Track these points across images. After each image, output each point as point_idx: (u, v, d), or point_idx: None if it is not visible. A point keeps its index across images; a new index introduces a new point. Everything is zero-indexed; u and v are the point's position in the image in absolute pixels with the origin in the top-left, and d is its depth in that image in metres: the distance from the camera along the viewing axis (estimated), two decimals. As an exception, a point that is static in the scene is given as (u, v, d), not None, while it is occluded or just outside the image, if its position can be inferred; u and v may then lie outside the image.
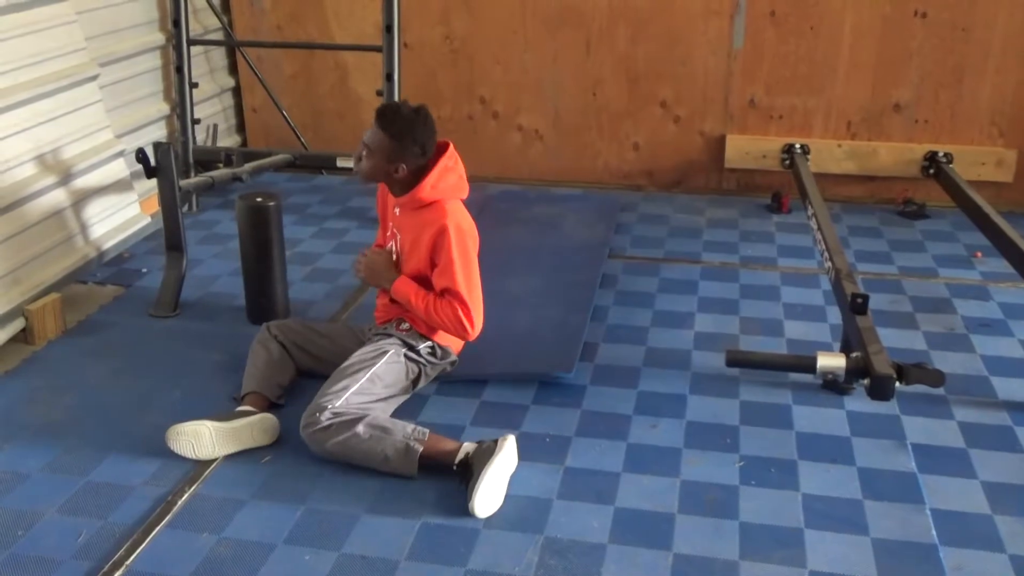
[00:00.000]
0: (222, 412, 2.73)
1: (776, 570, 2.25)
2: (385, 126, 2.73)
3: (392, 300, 2.92)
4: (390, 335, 2.87)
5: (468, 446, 2.54)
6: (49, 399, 3.00)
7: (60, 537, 2.37)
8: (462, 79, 5.01)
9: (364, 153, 2.78)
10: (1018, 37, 4.40)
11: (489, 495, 2.41)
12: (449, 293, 2.77)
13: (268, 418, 2.73)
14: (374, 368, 2.74)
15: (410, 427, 2.58)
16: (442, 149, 2.85)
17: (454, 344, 2.96)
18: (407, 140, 2.73)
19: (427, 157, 2.79)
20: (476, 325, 2.81)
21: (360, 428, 2.55)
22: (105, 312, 3.61)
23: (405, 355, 2.84)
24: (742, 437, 2.77)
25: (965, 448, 2.72)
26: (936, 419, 2.86)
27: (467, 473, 2.46)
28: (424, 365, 2.89)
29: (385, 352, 2.80)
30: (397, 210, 2.89)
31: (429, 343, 2.89)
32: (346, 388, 2.66)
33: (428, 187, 2.78)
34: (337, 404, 2.61)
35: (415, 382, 2.90)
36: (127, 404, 2.96)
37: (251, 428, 2.67)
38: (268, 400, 2.82)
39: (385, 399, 2.75)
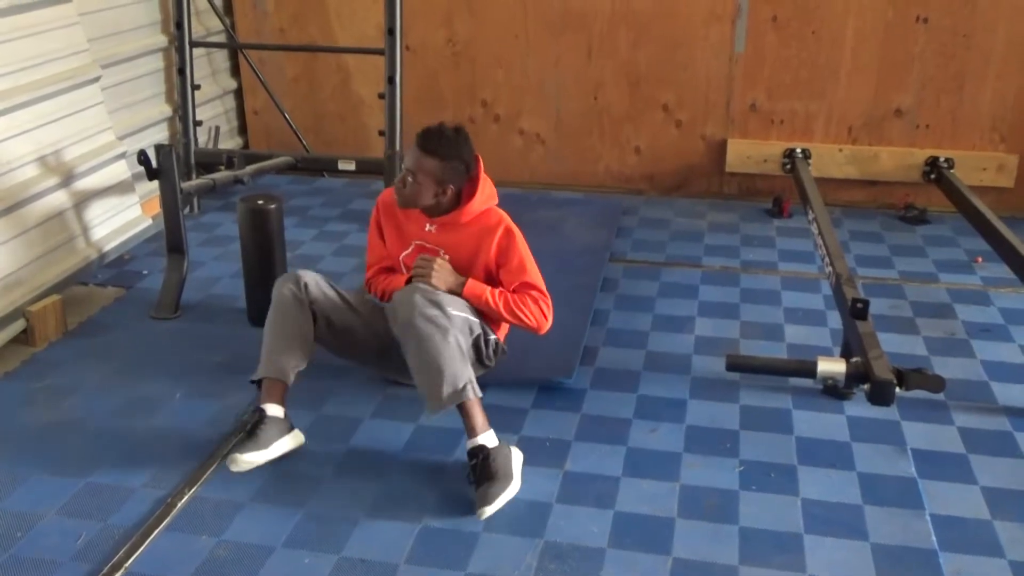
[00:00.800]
0: (267, 421, 2.61)
1: (776, 575, 2.25)
2: (432, 150, 2.68)
3: None
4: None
5: (493, 437, 2.54)
6: (49, 401, 3.00)
7: (60, 539, 2.37)
8: (464, 82, 5.01)
9: (410, 179, 2.71)
10: (1019, 43, 4.41)
11: (497, 508, 2.44)
12: (527, 287, 2.79)
13: (300, 439, 2.71)
14: (470, 314, 2.71)
15: (474, 377, 2.58)
16: (475, 160, 2.83)
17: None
18: (455, 162, 2.71)
19: (470, 176, 2.79)
20: (551, 316, 2.83)
21: (451, 336, 2.53)
22: (106, 314, 3.61)
23: (482, 331, 2.78)
24: (742, 442, 2.77)
25: (965, 453, 2.72)
26: (936, 424, 2.86)
27: (484, 470, 2.46)
28: (485, 357, 2.85)
29: (474, 313, 2.75)
30: (431, 228, 2.83)
31: (495, 337, 2.87)
32: (454, 306, 2.63)
33: (479, 202, 2.79)
34: (450, 308, 2.59)
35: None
36: (128, 406, 2.96)
37: (289, 444, 2.66)
38: (287, 388, 2.71)
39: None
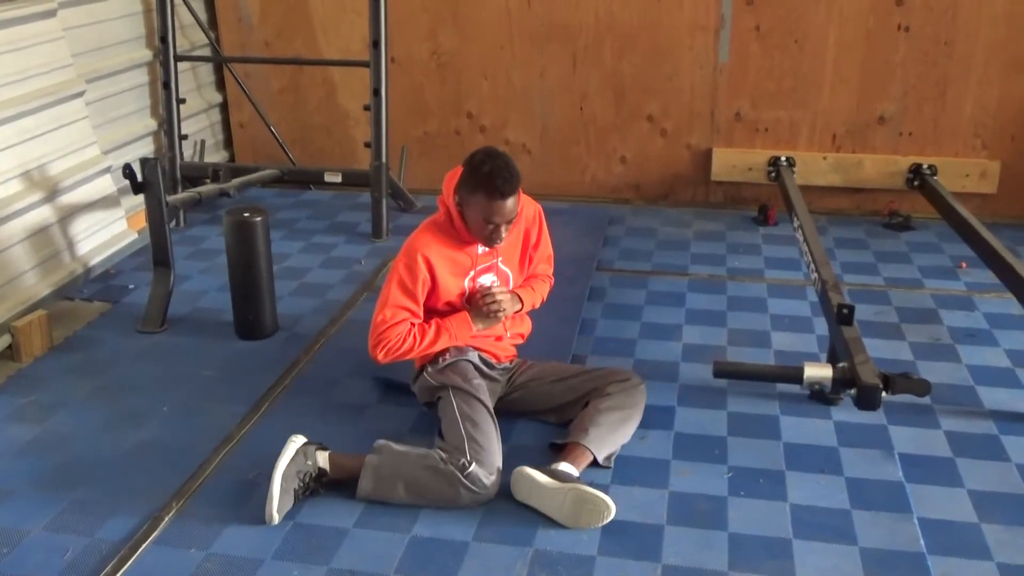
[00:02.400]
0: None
1: (765, 581, 2.26)
2: (514, 190, 2.60)
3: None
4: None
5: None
6: (35, 416, 2.99)
7: (46, 555, 2.35)
8: (449, 94, 5.03)
9: (505, 225, 2.64)
10: (1000, 50, 4.45)
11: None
12: (548, 260, 3.01)
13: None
14: (458, 415, 2.64)
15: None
16: None
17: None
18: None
19: None
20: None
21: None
22: (92, 328, 3.60)
23: (447, 393, 2.72)
24: (730, 448, 2.78)
25: (952, 457, 2.73)
26: (923, 429, 2.87)
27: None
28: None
29: (447, 402, 2.69)
30: (481, 248, 2.75)
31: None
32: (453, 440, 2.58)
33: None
34: (471, 468, 2.49)
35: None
36: (114, 421, 2.95)
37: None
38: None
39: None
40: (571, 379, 2.86)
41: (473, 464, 2.48)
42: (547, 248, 2.98)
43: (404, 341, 2.68)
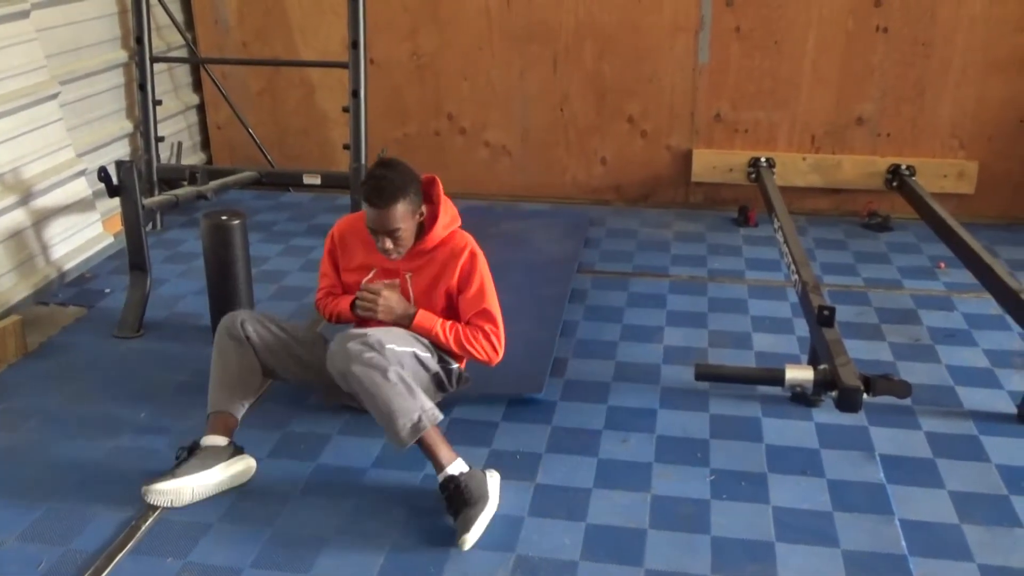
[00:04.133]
0: (197, 452, 2.59)
1: (748, 584, 2.25)
2: (391, 200, 2.61)
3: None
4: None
5: (462, 464, 2.48)
6: (10, 423, 2.94)
7: (20, 566, 2.31)
8: (429, 95, 5.00)
9: (392, 237, 2.67)
10: (977, 52, 4.48)
11: (479, 534, 2.39)
12: (483, 316, 2.78)
13: (248, 463, 2.64)
14: (416, 347, 2.70)
15: (429, 403, 2.51)
16: (431, 183, 2.82)
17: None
18: (409, 189, 2.66)
19: (428, 192, 2.78)
20: (502, 349, 2.81)
21: (391, 373, 2.47)
22: (67, 334, 3.55)
23: (440, 364, 2.78)
24: (712, 451, 2.77)
25: (932, 458, 2.74)
26: (903, 430, 2.88)
27: (458, 498, 2.41)
28: (448, 385, 2.85)
29: (423, 345, 2.74)
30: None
31: (457, 367, 2.86)
32: (395, 343, 2.61)
33: (442, 226, 2.78)
34: (388, 344, 2.55)
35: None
36: (90, 427, 2.91)
37: (230, 472, 2.58)
38: (236, 421, 2.72)
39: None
40: None
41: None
42: (479, 299, 2.77)
43: (322, 309, 2.98)
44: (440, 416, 2.51)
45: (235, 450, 2.64)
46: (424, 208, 2.74)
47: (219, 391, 2.73)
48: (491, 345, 2.79)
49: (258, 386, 2.83)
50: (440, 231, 2.78)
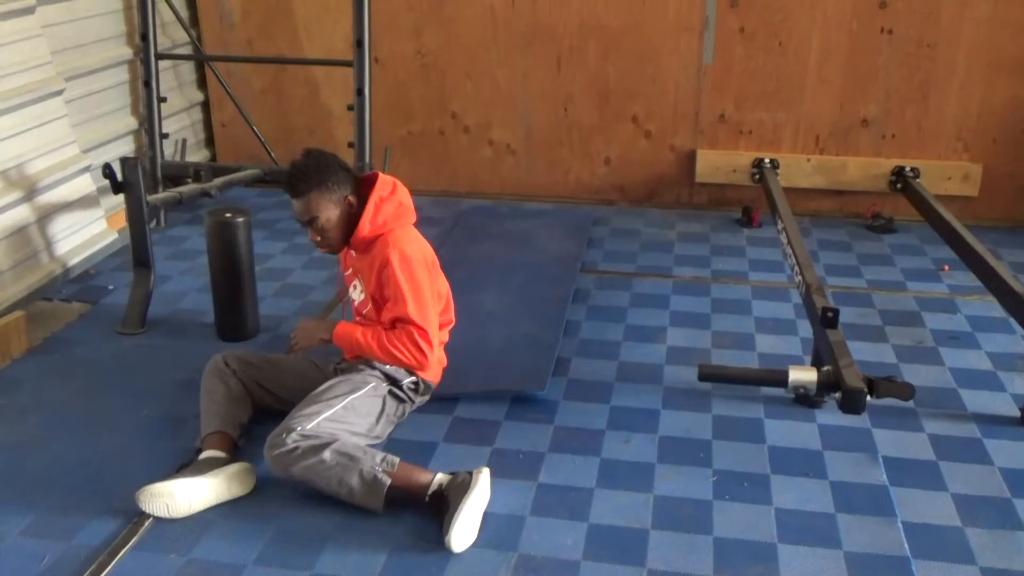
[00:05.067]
0: (194, 462, 2.58)
1: (750, 585, 2.25)
2: (304, 189, 2.67)
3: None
4: (373, 367, 2.76)
5: (441, 477, 2.46)
6: (13, 418, 2.94)
7: (23, 561, 2.31)
8: (433, 94, 5.00)
9: (314, 225, 2.73)
10: (982, 53, 4.47)
11: (466, 530, 2.35)
12: (401, 321, 2.71)
13: (244, 466, 2.59)
14: (352, 397, 2.64)
15: (379, 456, 2.47)
16: (372, 182, 2.79)
17: (435, 377, 2.90)
18: (325, 177, 2.68)
19: (355, 178, 2.77)
20: (433, 349, 2.75)
21: (327, 454, 2.44)
22: (71, 330, 3.55)
23: (389, 391, 2.76)
24: (715, 452, 2.77)
25: (935, 460, 2.74)
26: (906, 432, 2.88)
27: (441, 506, 2.40)
28: (406, 402, 2.82)
29: (367, 384, 2.70)
30: (353, 252, 2.87)
31: (413, 378, 2.81)
32: (318, 413, 2.56)
33: (367, 225, 2.74)
34: (307, 427, 2.50)
35: (395, 420, 2.81)
36: (93, 423, 2.91)
37: (228, 481, 2.52)
38: (233, 440, 2.67)
39: (359, 434, 2.62)
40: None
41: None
42: (396, 304, 2.70)
43: None
44: (396, 460, 2.47)
45: (228, 460, 2.59)
46: (348, 199, 2.73)
47: (210, 417, 2.70)
48: (414, 344, 2.70)
49: (250, 411, 2.79)
50: (366, 228, 2.74)
